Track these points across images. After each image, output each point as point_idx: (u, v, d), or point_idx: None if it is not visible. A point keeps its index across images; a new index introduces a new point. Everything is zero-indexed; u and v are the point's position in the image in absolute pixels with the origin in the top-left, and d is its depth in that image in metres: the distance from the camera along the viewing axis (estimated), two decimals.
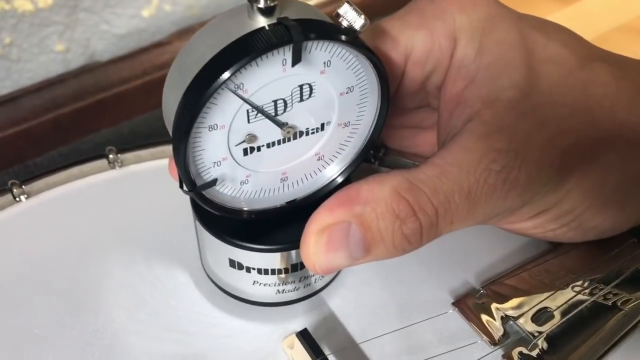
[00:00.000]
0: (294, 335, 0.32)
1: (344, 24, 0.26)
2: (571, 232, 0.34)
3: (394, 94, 0.34)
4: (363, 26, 0.26)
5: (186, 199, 0.32)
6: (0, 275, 0.36)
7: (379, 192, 0.28)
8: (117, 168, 0.42)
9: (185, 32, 0.72)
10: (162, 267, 0.36)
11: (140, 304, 0.35)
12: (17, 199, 0.40)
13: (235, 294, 0.34)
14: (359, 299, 0.35)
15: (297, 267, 0.32)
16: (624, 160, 0.32)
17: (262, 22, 0.25)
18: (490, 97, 0.30)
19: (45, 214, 0.39)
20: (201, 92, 0.24)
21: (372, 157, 0.43)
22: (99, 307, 0.34)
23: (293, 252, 0.31)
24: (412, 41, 0.32)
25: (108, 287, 0.35)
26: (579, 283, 0.35)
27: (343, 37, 0.25)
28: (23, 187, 0.40)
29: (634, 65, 0.34)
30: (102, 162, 0.42)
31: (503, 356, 0.32)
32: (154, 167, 0.43)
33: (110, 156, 0.42)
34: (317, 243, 0.28)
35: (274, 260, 0.31)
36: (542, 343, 0.33)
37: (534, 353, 0.32)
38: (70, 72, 0.66)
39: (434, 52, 0.32)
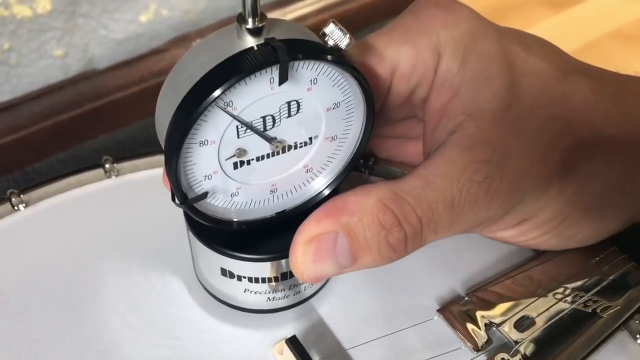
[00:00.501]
0: (284, 341, 0.33)
1: (330, 43, 0.27)
2: (553, 240, 0.35)
3: (381, 106, 0.35)
4: (348, 45, 0.27)
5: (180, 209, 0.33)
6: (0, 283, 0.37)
7: (365, 202, 0.29)
8: (113, 177, 0.43)
9: (182, 39, 0.73)
10: (157, 274, 0.37)
11: (135, 311, 0.36)
12: (16, 207, 0.41)
13: (227, 302, 0.35)
14: (348, 306, 0.36)
15: (286, 276, 0.33)
16: (602, 169, 0.33)
17: (250, 42, 0.26)
18: (473, 110, 0.31)
19: (43, 223, 0.40)
20: (192, 109, 0.25)
21: (362, 167, 0.43)
22: (95, 314, 0.35)
23: (283, 261, 0.32)
24: (397, 56, 0.33)
25: (104, 294, 0.36)
26: (561, 290, 0.36)
27: (329, 57, 0.26)
28: (21, 196, 0.41)
29: (611, 77, 0.35)
30: (99, 172, 0.43)
31: None
32: (150, 176, 0.43)
33: (107, 165, 0.43)
34: (305, 253, 0.29)
35: (264, 269, 0.32)
36: (523, 349, 0.34)
37: (516, 359, 0.33)
38: (68, 80, 0.67)
39: (418, 66, 0.33)
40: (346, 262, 0.29)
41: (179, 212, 0.33)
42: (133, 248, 0.39)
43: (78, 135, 0.64)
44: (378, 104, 0.34)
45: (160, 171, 0.42)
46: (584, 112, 0.33)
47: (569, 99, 0.33)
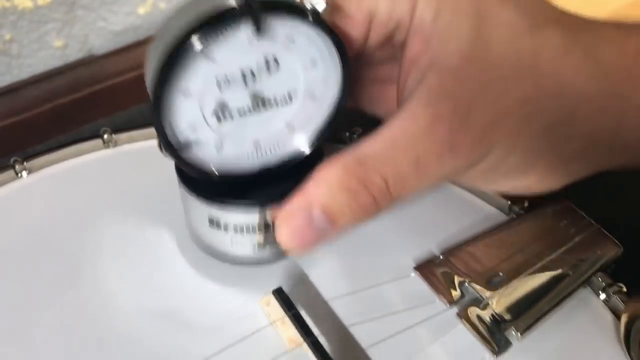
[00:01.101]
0: (270, 293, 0.35)
1: (308, 6, 0.29)
2: (519, 186, 0.36)
3: (362, 49, 0.35)
4: (325, 10, 0.29)
5: (174, 176, 0.35)
6: (4, 243, 0.39)
7: (330, 174, 0.30)
8: (112, 147, 0.45)
9: None
10: (152, 236, 0.39)
11: (131, 269, 0.38)
12: (19, 174, 0.43)
13: (217, 255, 0.37)
14: (331, 262, 0.39)
15: (271, 227, 0.35)
16: (568, 121, 0.34)
17: (232, 2, 0.28)
18: (437, 62, 0.32)
19: (45, 189, 0.42)
20: (173, 58, 0.28)
21: (348, 139, 0.46)
22: (94, 271, 0.37)
23: (267, 210, 0.34)
24: (375, 2, 0.33)
25: (102, 253, 0.38)
26: (530, 251, 0.38)
27: (303, 15, 0.29)
28: (24, 163, 0.43)
29: (587, 26, 0.35)
30: (98, 142, 0.45)
31: (458, 314, 0.36)
32: (146, 146, 0.46)
33: (105, 136, 0.45)
34: (287, 229, 0.30)
35: (250, 217, 0.34)
36: (493, 303, 0.36)
37: (487, 312, 0.35)
38: (68, 65, 0.69)
39: (395, 13, 0.34)
40: (325, 225, 0.30)
41: (173, 179, 0.35)
42: (129, 212, 0.41)
43: (77, 118, 0.66)
44: (358, 47, 0.35)
45: (155, 142, 0.45)
46: (553, 64, 0.33)
47: (539, 52, 0.33)
